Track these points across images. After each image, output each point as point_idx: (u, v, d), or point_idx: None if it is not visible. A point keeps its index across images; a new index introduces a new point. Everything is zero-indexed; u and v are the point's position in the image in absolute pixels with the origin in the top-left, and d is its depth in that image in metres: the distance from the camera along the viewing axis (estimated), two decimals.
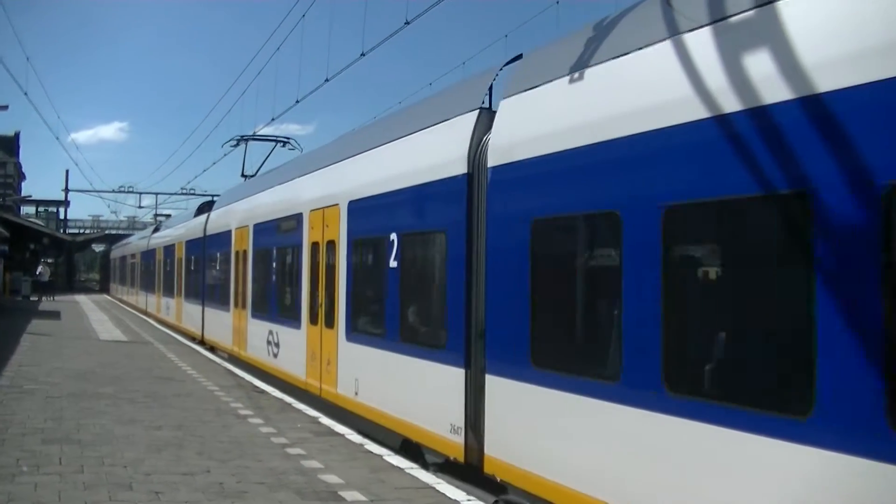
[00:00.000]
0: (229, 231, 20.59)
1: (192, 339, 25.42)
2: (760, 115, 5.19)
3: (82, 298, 56.61)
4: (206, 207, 27.51)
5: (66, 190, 79.00)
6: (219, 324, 21.75)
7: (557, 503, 7.00)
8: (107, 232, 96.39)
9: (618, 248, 6.40)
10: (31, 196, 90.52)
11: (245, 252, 18.78)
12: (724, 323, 5.71)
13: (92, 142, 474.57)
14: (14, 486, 7.77)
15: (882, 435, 4.32)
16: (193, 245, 26.15)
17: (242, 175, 24.68)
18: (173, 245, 30.72)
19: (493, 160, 8.30)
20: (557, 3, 18.06)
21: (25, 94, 33.66)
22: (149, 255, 39.01)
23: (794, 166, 4.94)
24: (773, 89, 5.13)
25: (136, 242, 48.79)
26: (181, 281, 28.62)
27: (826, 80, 4.83)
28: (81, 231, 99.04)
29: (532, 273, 7.50)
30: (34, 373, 16.13)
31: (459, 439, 8.73)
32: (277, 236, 16.27)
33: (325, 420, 12.04)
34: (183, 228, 29.74)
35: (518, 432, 7.71)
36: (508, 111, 8.37)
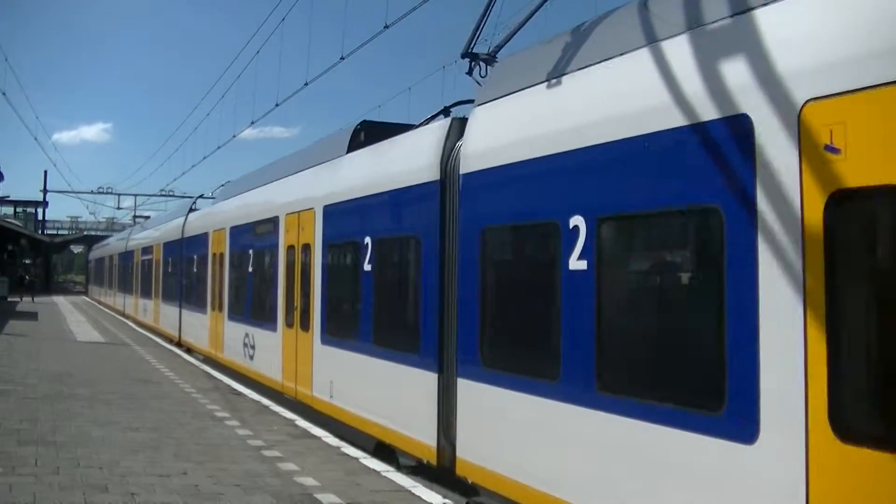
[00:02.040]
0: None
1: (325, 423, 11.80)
2: None
3: (60, 300, 56.16)
4: (367, 130, 12.50)
5: (45, 191, 78.42)
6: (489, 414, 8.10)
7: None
8: (85, 233, 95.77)
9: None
10: (8, 197, 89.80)
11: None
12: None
13: (75, 142, 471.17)
14: None
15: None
16: (353, 216, 11.58)
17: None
18: (273, 222, 15.14)
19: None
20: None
21: (3, 94, 33.41)
22: (183, 246, 24.32)
23: None
24: None
25: (146, 231, 35.47)
26: (288, 293, 14.13)
27: None
28: (59, 232, 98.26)
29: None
30: (10, 374, 16.02)
31: None
32: None
33: (302, 422, 12.06)
34: (296, 185, 14.46)
35: None
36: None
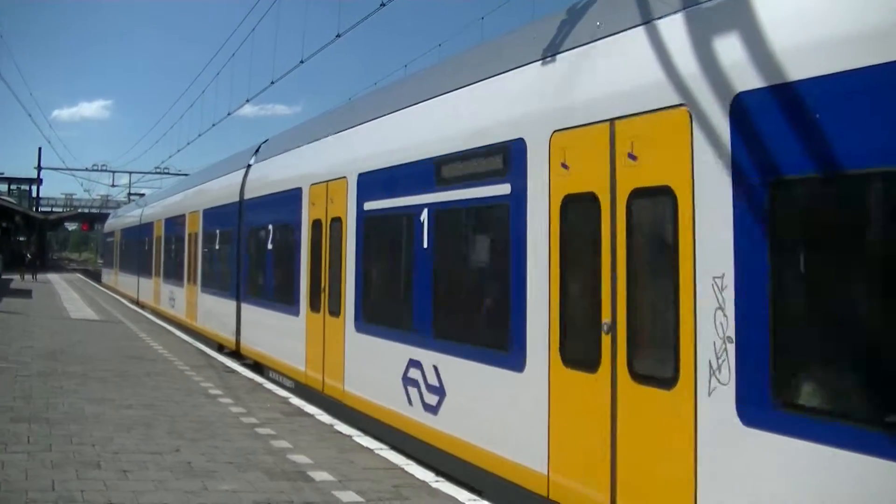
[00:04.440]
0: None
1: None
2: None
3: (55, 278, 55.97)
4: None
5: (39, 168, 78.22)
6: None
7: None
8: (79, 210, 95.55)
9: None
10: (2, 174, 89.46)
11: None
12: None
13: (75, 119, 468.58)
14: None
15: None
16: None
17: None
18: None
19: None
20: None
21: None
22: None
23: None
24: None
25: (281, 158, 15.78)
26: None
27: None
28: (54, 210, 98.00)
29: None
30: (3, 351, 15.99)
31: None
32: None
33: (295, 400, 12.09)
34: None
35: None
36: None
